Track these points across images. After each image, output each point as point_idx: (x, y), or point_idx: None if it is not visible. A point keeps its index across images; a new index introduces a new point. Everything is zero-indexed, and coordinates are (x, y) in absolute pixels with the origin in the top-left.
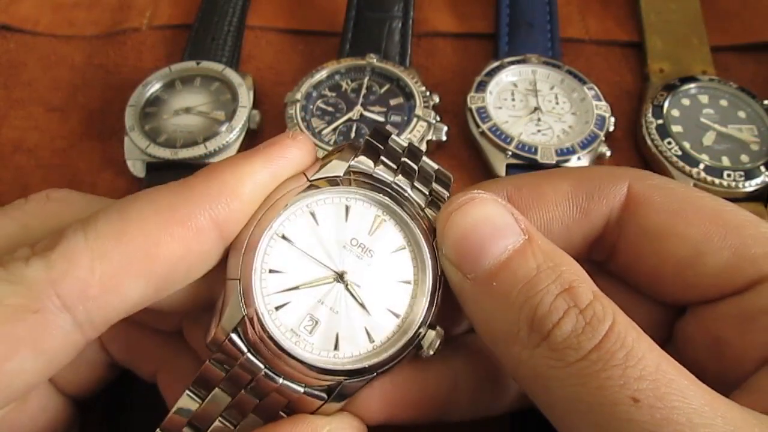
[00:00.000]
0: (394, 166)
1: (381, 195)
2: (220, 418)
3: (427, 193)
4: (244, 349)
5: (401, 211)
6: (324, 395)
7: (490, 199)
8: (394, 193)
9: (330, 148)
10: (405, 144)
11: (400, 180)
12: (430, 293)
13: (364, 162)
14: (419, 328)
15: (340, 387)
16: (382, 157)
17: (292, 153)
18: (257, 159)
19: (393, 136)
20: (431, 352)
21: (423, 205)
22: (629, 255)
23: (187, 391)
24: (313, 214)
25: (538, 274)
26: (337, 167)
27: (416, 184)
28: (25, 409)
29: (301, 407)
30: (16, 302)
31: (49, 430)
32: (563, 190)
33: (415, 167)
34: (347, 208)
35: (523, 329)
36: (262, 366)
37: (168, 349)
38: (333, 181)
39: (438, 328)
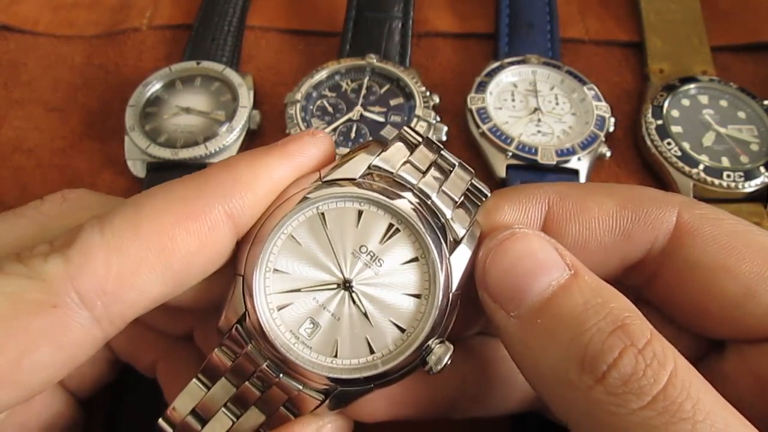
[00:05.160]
0: (421, 169)
1: (398, 201)
2: (223, 408)
3: (456, 201)
4: (247, 341)
5: (417, 222)
6: (321, 396)
7: (532, 234)
8: (414, 199)
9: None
10: (437, 146)
11: (426, 184)
12: (439, 310)
13: (387, 161)
14: (424, 344)
15: (336, 392)
16: (409, 158)
17: (310, 150)
18: (274, 154)
19: (428, 137)
20: (438, 368)
21: (448, 216)
22: (671, 286)
23: (194, 380)
24: (323, 216)
25: (585, 310)
26: (355, 167)
27: (444, 190)
28: (32, 405)
29: (300, 404)
30: (36, 297)
31: (53, 426)
32: (608, 208)
33: (445, 172)
34: (359, 213)
35: (572, 369)
36: (262, 359)
37: (168, 343)
38: (348, 183)
39: (447, 343)
